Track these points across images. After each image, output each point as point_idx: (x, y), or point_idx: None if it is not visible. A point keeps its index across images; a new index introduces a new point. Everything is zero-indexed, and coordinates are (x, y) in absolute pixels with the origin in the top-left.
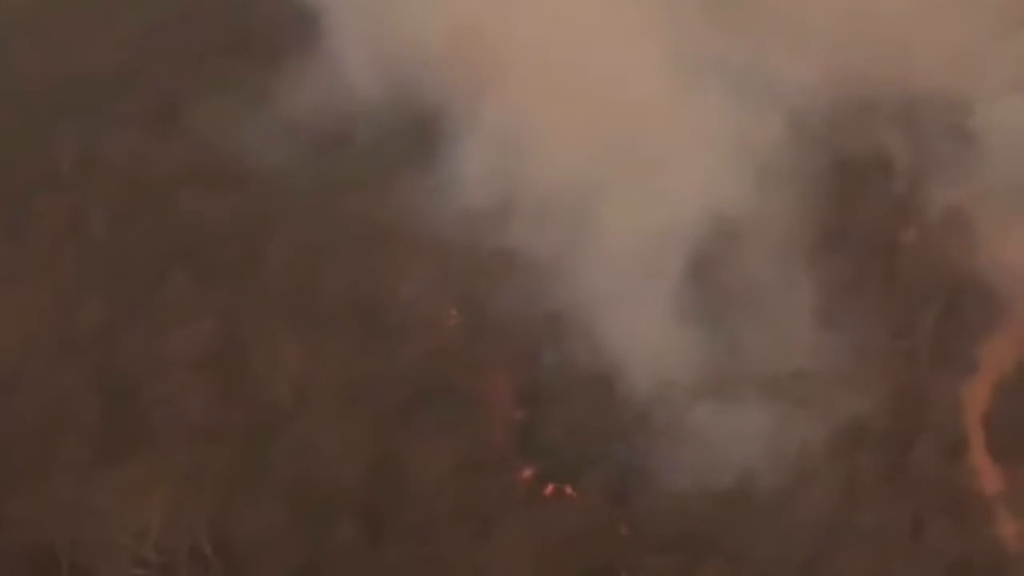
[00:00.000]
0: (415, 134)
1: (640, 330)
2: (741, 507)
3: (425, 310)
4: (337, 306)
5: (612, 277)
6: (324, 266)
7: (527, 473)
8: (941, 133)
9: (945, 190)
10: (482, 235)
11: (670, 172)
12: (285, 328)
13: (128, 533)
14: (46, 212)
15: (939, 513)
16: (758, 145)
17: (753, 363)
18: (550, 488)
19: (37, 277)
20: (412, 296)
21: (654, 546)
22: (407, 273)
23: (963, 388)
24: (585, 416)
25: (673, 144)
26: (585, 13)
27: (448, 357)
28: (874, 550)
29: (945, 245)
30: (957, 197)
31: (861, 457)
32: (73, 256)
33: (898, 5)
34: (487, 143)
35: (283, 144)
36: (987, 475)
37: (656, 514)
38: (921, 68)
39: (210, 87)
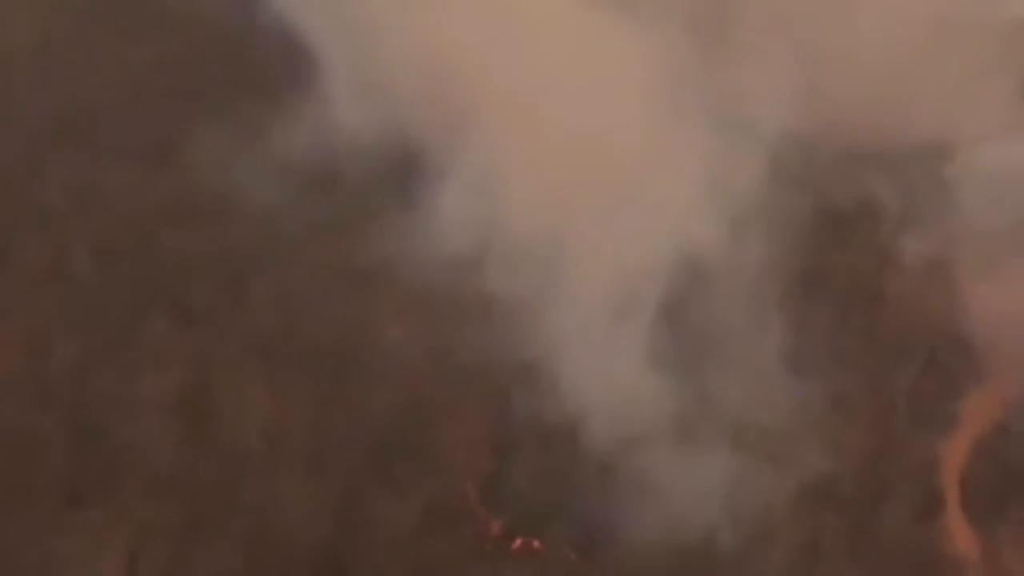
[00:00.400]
0: (399, 175)
1: (609, 378)
2: (704, 564)
3: (400, 357)
4: (313, 351)
5: (583, 322)
6: (303, 310)
7: (494, 526)
8: (925, 180)
9: (928, 239)
10: (460, 280)
11: (646, 214)
12: (257, 374)
13: None
14: (31, 247)
15: None
16: (736, 187)
17: (721, 414)
18: (518, 542)
19: (15, 315)
20: (389, 343)
21: None
22: (385, 319)
23: (940, 445)
24: (551, 468)
25: (651, 185)
26: (569, 55)
27: (419, 406)
28: None
29: (927, 296)
30: (940, 246)
31: (827, 516)
32: (54, 294)
33: (883, 49)
34: (466, 185)
35: (272, 182)
36: (961, 537)
37: (623, 569)
38: (906, 112)
39: (206, 122)
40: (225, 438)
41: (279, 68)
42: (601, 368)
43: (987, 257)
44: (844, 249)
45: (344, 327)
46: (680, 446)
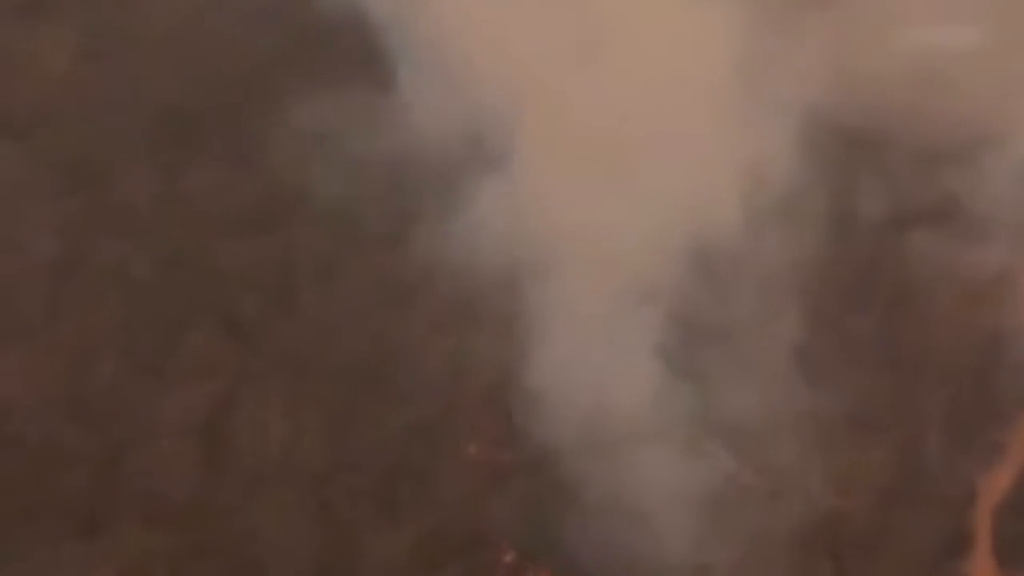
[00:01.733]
0: (447, 183)
1: (614, 397)
2: None
3: (423, 377)
4: (340, 368)
5: (591, 336)
6: (342, 324)
7: (507, 555)
8: (991, 178)
9: (990, 245)
10: (493, 293)
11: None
12: (280, 392)
13: None
14: (101, 251)
15: None
16: (768, 179)
17: (724, 432)
18: (518, 569)
19: (68, 322)
20: (415, 359)
21: None
22: (419, 338)
23: (977, 479)
24: (553, 493)
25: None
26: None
27: (430, 430)
28: None
29: (982, 309)
30: (1003, 254)
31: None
32: (110, 301)
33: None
34: (505, 196)
35: (347, 184)
36: None
37: None
38: (965, 105)
39: (288, 121)
40: (238, 461)
41: (359, 66)
42: (607, 388)
43: None
44: (893, 252)
45: (377, 342)
46: (678, 456)
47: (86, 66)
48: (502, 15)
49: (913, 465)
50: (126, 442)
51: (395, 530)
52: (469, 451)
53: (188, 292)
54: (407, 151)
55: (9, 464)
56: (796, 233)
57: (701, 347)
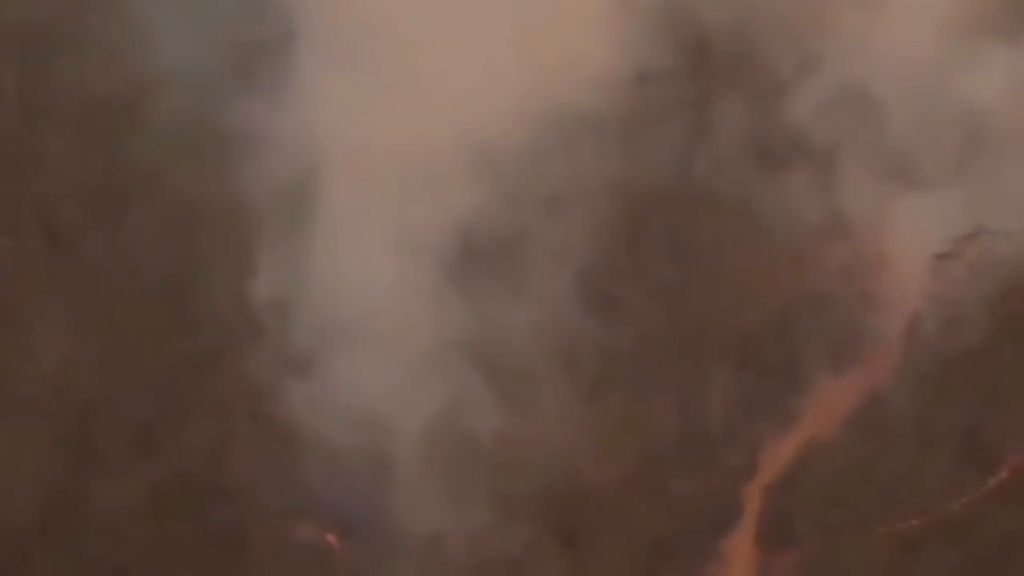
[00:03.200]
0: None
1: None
2: None
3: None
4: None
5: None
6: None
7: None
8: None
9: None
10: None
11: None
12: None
13: None
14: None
15: None
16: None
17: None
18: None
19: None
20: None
21: None
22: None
23: (761, 448)
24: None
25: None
26: None
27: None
28: None
29: (790, 269)
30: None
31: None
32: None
33: None
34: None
35: None
36: (740, 565)
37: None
38: None
39: None
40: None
41: None
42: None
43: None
44: (713, 196)
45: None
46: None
47: None
48: None
49: (692, 428)
50: None
51: (131, 476)
52: (228, 395)
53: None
54: None
55: None
56: (604, 155)
57: (482, 260)
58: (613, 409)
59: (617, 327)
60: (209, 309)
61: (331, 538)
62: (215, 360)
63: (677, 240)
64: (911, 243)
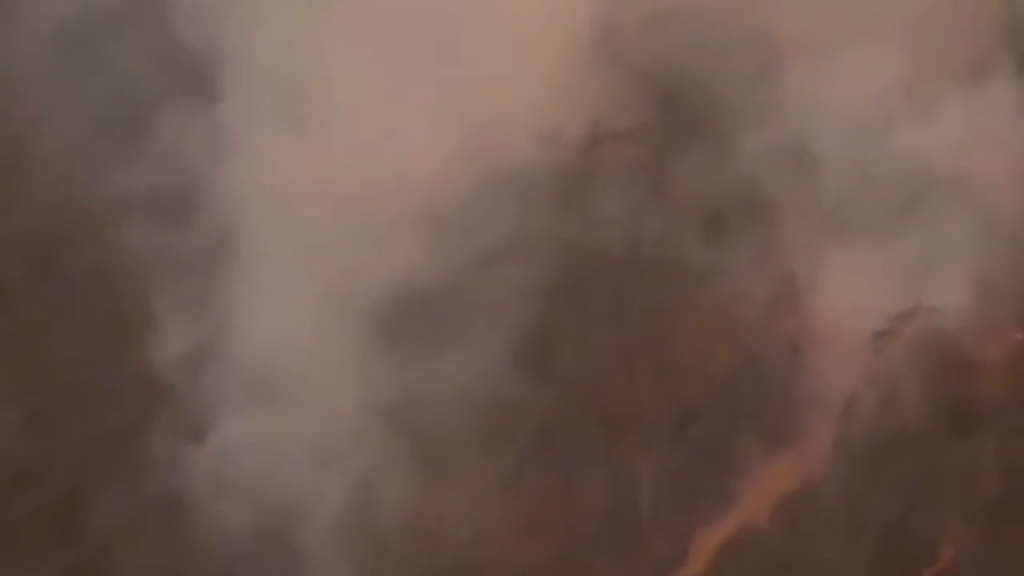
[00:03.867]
0: None
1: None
2: None
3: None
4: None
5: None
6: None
7: None
8: None
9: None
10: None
11: None
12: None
13: None
14: None
15: None
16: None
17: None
18: None
19: None
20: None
21: None
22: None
23: (694, 534)
24: None
25: None
26: None
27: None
28: None
29: (727, 338)
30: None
31: None
32: None
33: None
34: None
35: None
36: None
37: None
38: None
39: None
40: None
41: None
42: None
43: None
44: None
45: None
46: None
47: None
48: None
49: (621, 511)
50: None
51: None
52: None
53: None
54: None
55: None
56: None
57: (411, 317)
58: (540, 483)
59: (549, 394)
60: (121, 376)
61: None
62: (127, 433)
63: (617, 306)
64: (851, 318)
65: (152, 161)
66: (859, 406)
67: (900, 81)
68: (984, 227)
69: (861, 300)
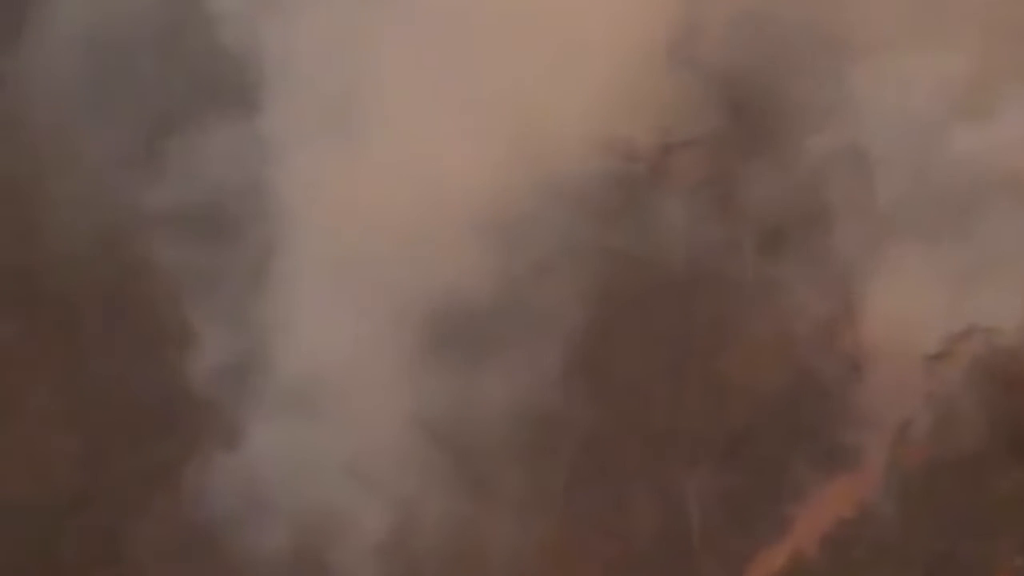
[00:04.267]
0: None
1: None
2: None
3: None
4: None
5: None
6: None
7: None
8: None
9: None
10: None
11: None
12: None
13: None
14: None
15: None
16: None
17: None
18: None
19: None
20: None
21: None
22: None
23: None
24: None
25: None
26: None
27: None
28: None
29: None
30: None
31: None
32: None
33: None
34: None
35: None
36: None
37: None
38: None
39: None
40: None
41: None
42: None
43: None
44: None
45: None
46: None
47: None
48: None
49: (671, 534)
50: None
51: None
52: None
53: None
54: None
55: None
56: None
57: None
58: (588, 506)
59: (599, 410)
60: (166, 398)
61: None
62: (170, 458)
63: (673, 320)
64: (907, 334)
65: (196, 174)
66: (914, 428)
67: (962, 82)
68: None
69: (918, 314)
